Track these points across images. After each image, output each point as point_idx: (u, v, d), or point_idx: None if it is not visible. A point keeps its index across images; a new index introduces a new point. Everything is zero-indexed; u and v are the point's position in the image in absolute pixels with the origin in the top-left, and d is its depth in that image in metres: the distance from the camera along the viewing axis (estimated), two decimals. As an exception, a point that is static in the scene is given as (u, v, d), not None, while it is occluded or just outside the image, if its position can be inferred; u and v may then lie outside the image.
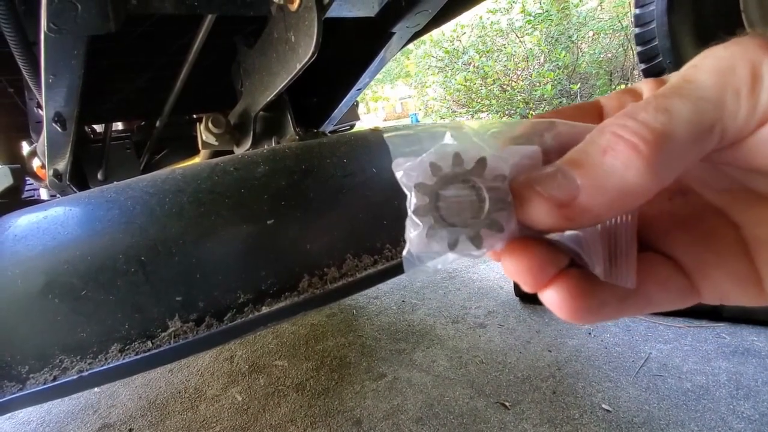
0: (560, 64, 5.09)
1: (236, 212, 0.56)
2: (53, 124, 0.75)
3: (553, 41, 5.38)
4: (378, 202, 0.65)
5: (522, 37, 5.70)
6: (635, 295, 0.18)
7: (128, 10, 0.53)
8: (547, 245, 0.18)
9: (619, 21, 4.88)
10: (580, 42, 5.42)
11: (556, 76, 5.09)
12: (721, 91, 0.15)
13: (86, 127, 1.35)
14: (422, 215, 0.17)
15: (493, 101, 5.72)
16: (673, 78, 0.17)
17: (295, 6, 0.48)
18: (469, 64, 5.87)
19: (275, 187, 0.59)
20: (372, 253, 0.61)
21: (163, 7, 0.54)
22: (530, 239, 0.17)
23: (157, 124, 1.23)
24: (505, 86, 5.67)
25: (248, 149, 0.79)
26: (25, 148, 1.42)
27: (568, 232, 0.18)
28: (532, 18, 5.42)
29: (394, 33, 0.78)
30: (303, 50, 0.50)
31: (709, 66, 0.15)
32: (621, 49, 5.00)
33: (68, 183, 1.19)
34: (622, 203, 0.15)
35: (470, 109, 5.98)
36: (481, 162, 0.17)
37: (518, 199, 0.17)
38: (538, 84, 5.29)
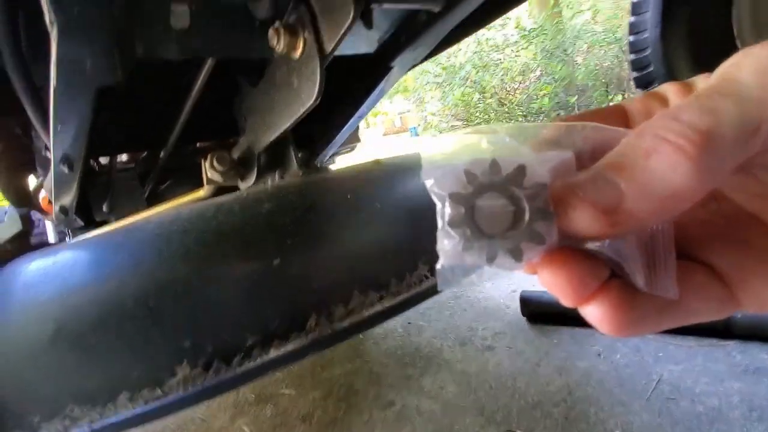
0: (556, 77, 5.15)
1: (242, 253, 0.56)
2: (61, 166, 0.76)
3: (549, 55, 5.45)
4: (382, 238, 0.66)
5: (518, 51, 5.79)
6: (674, 305, 0.17)
7: (135, 59, 0.54)
8: (587, 256, 0.17)
9: (613, 33, 4.95)
10: (575, 55, 5.49)
11: (553, 88, 5.15)
12: (765, 91, 0.14)
13: (92, 161, 1.37)
14: (457, 227, 0.16)
15: (492, 115, 5.77)
16: (711, 79, 0.17)
17: (297, 54, 0.49)
18: (467, 80, 5.94)
19: (280, 225, 0.60)
20: (378, 289, 0.62)
21: (168, 53, 0.55)
22: (569, 250, 0.17)
23: (162, 154, 1.25)
24: (503, 100, 5.73)
25: (253, 184, 0.80)
26: (32, 180, 1.44)
27: (606, 242, 0.17)
28: (526, 33, 5.51)
29: (393, 67, 0.80)
30: (306, 95, 0.51)
31: (750, 65, 0.15)
32: (616, 60, 5.06)
33: (74, 216, 1.20)
34: (669, 207, 0.15)
35: (469, 123, 6.02)
36: (520, 170, 0.16)
37: (560, 206, 0.16)
38: (535, 97, 5.34)
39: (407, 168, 0.80)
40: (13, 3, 0.66)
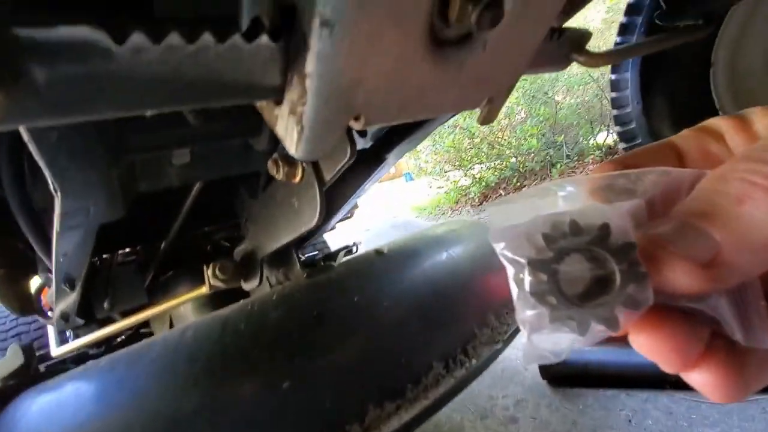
0: (541, 118, 5.33)
1: (251, 379, 0.54)
2: (63, 285, 0.76)
3: (531, 98, 5.67)
4: (392, 340, 0.64)
5: (501, 97, 6.01)
6: None
7: (137, 193, 0.55)
8: (684, 316, 0.15)
9: (589, 74, 5.19)
10: (555, 95, 5.72)
11: (539, 129, 5.30)
12: None
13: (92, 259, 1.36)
14: (542, 296, 0.15)
15: (483, 158, 5.90)
16: None
17: (297, 180, 0.50)
18: (456, 126, 6.14)
19: (287, 341, 0.58)
20: (394, 398, 0.59)
21: (170, 182, 0.56)
22: (665, 310, 0.15)
23: (163, 245, 1.25)
24: (493, 143, 5.88)
25: (257, 286, 0.79)
26: (34, 281, 1.43)
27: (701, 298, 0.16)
28: (507, 80, 5.75)
29: (387, 158, 0.82)
30: (308, 217, 0.51)
31: None
32: (596, 98, 5.27)
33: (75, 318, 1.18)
34: None
35: (462, 167, 6.14)
36: (604, 229, 0.15)
37: (653, 265, 0.14)
38: (523, 138, 5.49)
39: (410, 255, 0.80)
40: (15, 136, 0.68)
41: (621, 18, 0.77)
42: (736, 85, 0.83)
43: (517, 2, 0.30)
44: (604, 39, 5.96)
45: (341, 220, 2.03)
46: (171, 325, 1.37)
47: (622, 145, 0.82)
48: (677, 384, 1.06)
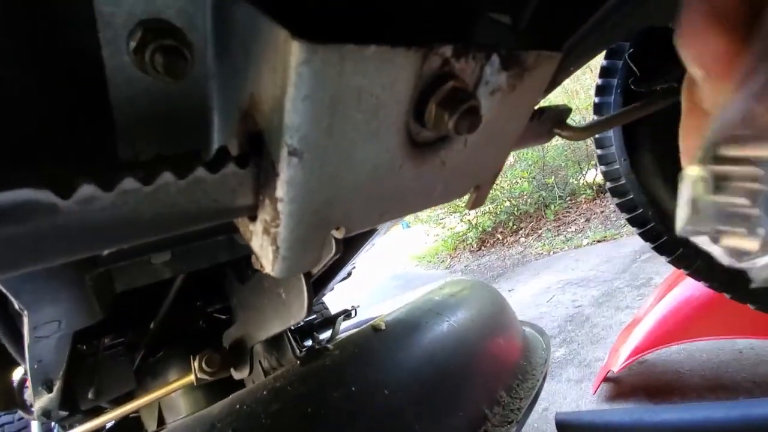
0: (529, 162, 5.45)
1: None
2: (40, 388, 0.71)
3: (518, 143, 5.84)
4: (395, 430, 0.59)
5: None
6: None
7: (114, 295, 0.52)
8: None
9: (572, 119, 5.40)
10: (542, 139, 5.90)
11: (530, 172, 5.41)
12: None
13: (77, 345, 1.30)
14: None
15: (477, 204, 5.96)
16: None
17: (282, 272, 0.48)
18: (447, 175, 6.25)
19: (281, 445, 0.53)
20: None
21: (150, 280, 0.54)
22: None
23: (152, 325, 1.20)
24: (484, 188, 5.97)
25: (247, 375, 0.74)
26: (17, 373, 1.35)
27: None
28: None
29: (378, 228, 0.81)
30: (296, 309, 0.48)
31: None
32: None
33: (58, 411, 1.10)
34: None
35: (456, 212, 6.18)
36: None
37: None
38: (515, 182, 5.58)
39: (409, 330, 0.76)
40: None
41: (597, 80, 0.79)
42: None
43: (495, 107, 0.29)
44: (582, 77, 6.24)
45: (341, 281, 1.99)
46: (160, 412, 1.28)
47: (615, 200, 0.81)
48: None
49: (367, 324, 0.77)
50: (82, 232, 0.20)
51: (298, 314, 0.48)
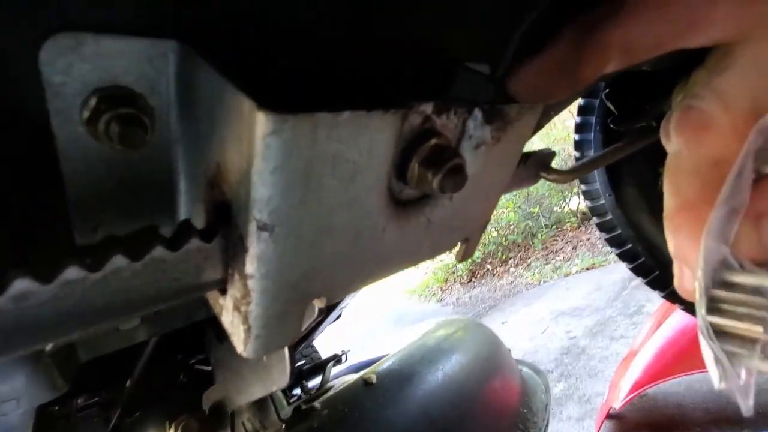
0: (515, 192, 5.54)
1: None
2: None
3: (502, 174, 5.96)
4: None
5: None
6: None
7: (79, 364, 0.48)
8: None
9: (549, 146, 5.56)
10: (524, 170, 6.03)
11: (515, 202, 5.49)
12: None
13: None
14: None
15: (465, 235, 5.98)
16: None
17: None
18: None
19: None
20: None
21: (118, 346, 0.50)
22: None
23: (128, 383, 1.12)
24: (471, 220, 6.02)
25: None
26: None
27: None
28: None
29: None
30: (277, 375, 0.45)
31: None
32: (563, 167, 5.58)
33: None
34: None
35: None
36: None
37: None
38: (501, 212, 5.65)
39: (402, 383, 0.72)
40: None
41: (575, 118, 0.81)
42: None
43: (480, 161, 0.28)
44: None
45: (330, 323, 1.92)
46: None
47: (604, 235, 0.81)
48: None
49: (358, 377, 0.73)
50: (18, 330, 0.18)
51: (279, 380, 0.44)
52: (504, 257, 5.47)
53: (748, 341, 0.18)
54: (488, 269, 5.47)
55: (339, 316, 1.99)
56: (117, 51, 0.20)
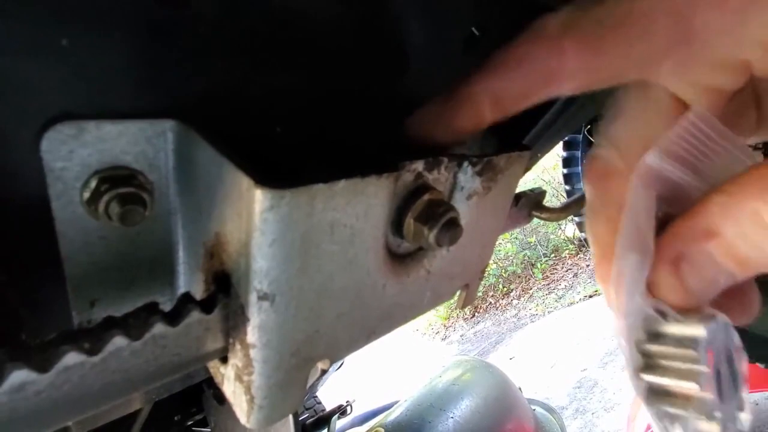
0: (510, 223, 5.58)
1: None
2: None
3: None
4: None
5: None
6: None
7: None
8: None
9: (541, 178, 5.66)
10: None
11: (512, 234, 5.50)
12: None
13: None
14: None
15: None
16: None
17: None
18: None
19: None
20: None
21: (112, 416, 0.47)
22: None
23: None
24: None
25: None
26: None
27: None
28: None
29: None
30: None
31: None
32: (554, 197, 5.66)
33: None
34: None
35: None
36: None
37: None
38: (499, 245, 5.65)
39: (412, 434, 0.69)
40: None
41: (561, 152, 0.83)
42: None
43: (473, 211, 0.29)
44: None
45: (334, 371, 1.86)
46: None
47: (577, 219, 0.80)
48: None
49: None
50: (12, 422, 0.17)
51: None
52: (505, 289, 5.41)
53: (685, 399, 0.16)
54: (491, 302, 5.39)
55: (342, 364, 1.93)
56: (117, 134, 0.21)
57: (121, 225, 0.21)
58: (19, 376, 0.16)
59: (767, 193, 0.15)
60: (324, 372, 0.33)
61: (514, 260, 5.52)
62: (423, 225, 0.25)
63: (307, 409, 2.08)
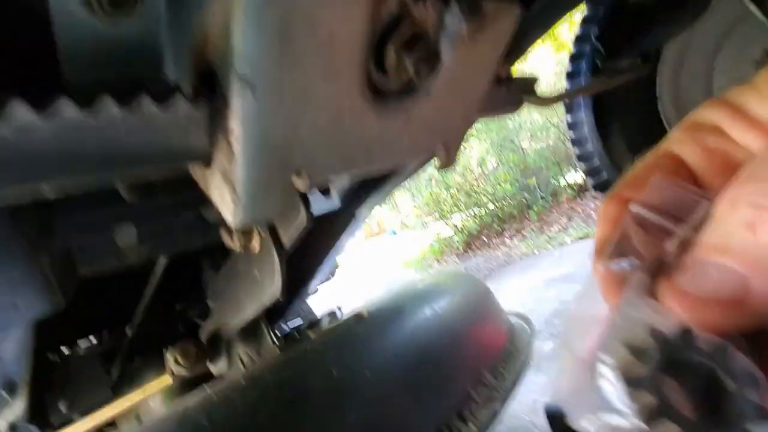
0: (511, 164, 5.54)
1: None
2: (1, 391, 0.67)
3: (499, 147, 5.93)
4: (379, 415, 0.57)
5: (470, 148, 6.30)
6: None
7: (78, 279, 0.50)
8: None
9: (549, 120, 5.51)
10: (522, 142, 6.01)
11: (512, 175, 5.49)
12: None
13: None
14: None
15: (462, 207, 6.01)
16: None
17: (256, 249, 0.47)
18: (431, 179, 6.30)
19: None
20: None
21: (116, 264, 0.52)
22: None
23: (128, 330, 1.16)
24: (469, 192, 6.03)
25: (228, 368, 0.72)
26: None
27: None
28: (474, 132, 6.05)
29: (356, 214, 0.80)
30: (269, 287, 0.47)
31: None
32: (559, 140, 5.55)
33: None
34: None
35: (443, 218, 6.21)
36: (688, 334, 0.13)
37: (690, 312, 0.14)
38: (498, 185, 5.66)
39: (392, 316, 0.75)
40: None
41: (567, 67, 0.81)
42: (683, 114, 0.86)
43: (456, 56, 0.29)
44: (557, 89, 6.39)
45: (324, 281, 1.96)
46: (139, 422, 1.23)
47: (590, 180, 0.83)
48: None
49: (349, 313, 0.76)
50: (18, 163, 0.19)
51: (271, 291, 0.47)
52: (500, 229, 5.52)
53: None
54: (483, 241, 5.53)
55: (332, 275, 2.02)
56: None
57: (112, 12, 0.21)
58: (22, 113, 0.18)
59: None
60: (309, 223, 0.35)
61: (512, 201, 5.57)
62: (404, 54, 0.26)
63: (299, 317, 2.22)
